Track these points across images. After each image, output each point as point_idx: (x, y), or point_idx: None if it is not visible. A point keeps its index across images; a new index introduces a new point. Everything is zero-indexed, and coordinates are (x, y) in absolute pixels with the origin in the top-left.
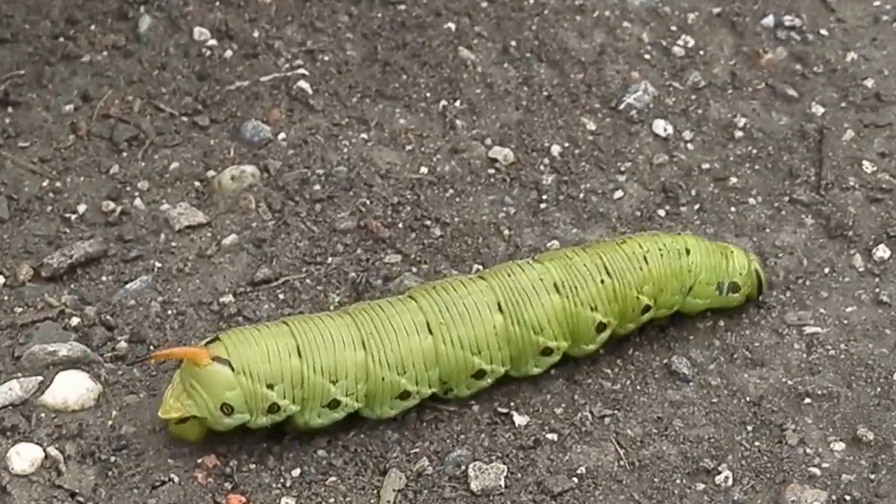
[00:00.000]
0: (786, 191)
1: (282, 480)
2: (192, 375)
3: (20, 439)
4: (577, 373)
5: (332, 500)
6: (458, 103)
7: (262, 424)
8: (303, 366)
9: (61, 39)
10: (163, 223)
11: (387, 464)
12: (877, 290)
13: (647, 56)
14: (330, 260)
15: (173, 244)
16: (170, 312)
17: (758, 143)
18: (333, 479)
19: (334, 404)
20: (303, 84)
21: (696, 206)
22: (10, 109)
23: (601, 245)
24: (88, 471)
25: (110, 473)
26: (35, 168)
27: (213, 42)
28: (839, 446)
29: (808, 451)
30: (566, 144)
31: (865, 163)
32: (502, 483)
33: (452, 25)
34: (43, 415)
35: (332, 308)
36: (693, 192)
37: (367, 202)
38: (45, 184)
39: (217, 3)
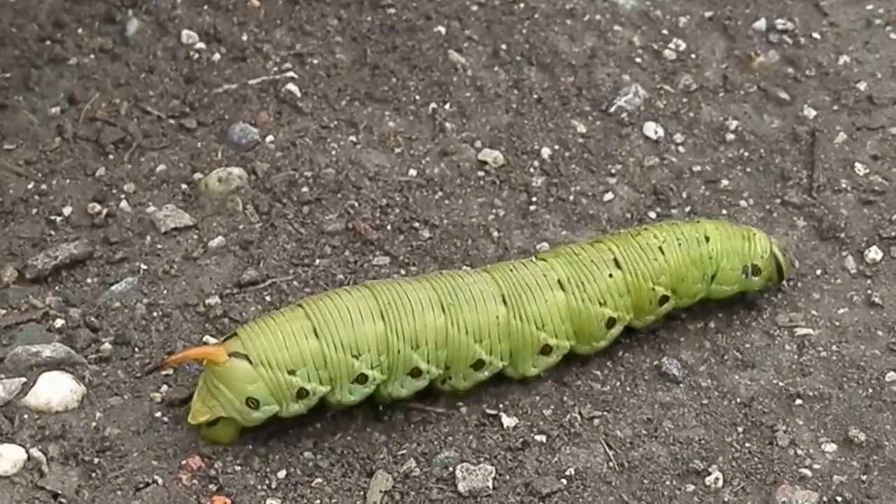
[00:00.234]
0: (777, 193)
1: (267, 482)
2: (213, 375)
3: (2, 440)
4: (567, 374)
5: (318, 501)
6: (447, 106)
7: (298, 411)
8: (322, 345)
9: (48, 42)
10: (149, 225)
11: (373, 465)
12: (869, 291)
13: (637, 59)
14: (317, 262)
15: (159, 246)
16: (155, 314)
17: (749, 146)
18: (319, 480)
19: (362, 379)
20: (291, 87)
21: (688, 209)
22: None
23: (614, 238)
24: (71, 472)
25: (93, 475)
26: (20, 170)
27: (201, 45)
28: (830, 447)
29: (799, 452)
30: (556, 147)
31: (858, 165)
32: (490, 484)
33: (442, 29)
34: (26, 416)
35: None
36: (684, 195)
37: (356, 204)
38: (30, 186)
39: (205, 7)
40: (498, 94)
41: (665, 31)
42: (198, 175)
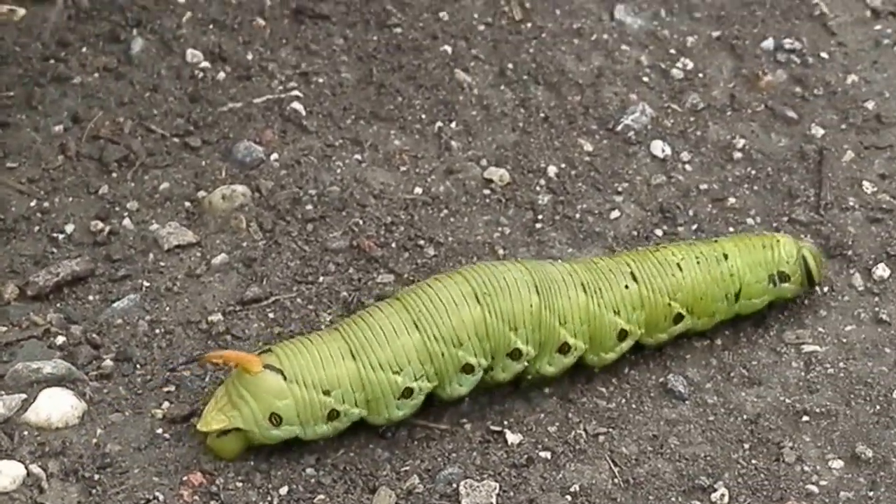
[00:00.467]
0: (785, 211)
1: (269, 498)
2: (241, 383)
3: (2, 457)
4: (572, 391)
5: None
6: (453, 125)
7: (324, 434)
8: (359, 367)
9: (52, 61)
10: (152, 243)
11: (376, 482)
12: (876, 308)
13: (645, 78)
14: (321, 279)
15: (162, 264)
16: (157, 331)
17: (757, 164)
18: (322, 497)
19: (408, 392)
20: (296, 105)
21: (694, 227)
22: None
23: (632, 253)
24: (71, 489)
25: (94, 491)
26: (23, 188)
27: (205, 64)
28: (837, 464)
29: (805, 468)
30: (563, 165)
31: (865, 183)
32: (494, 501)
33: (449, 48)
34: (26, 432)
35: (323, 326)
36: (691, 213)
37: (360, 222)
38: (32, 204)
39: (210, 26)
40: (504, 112)
41: (672, 51)
42: (201, 193)
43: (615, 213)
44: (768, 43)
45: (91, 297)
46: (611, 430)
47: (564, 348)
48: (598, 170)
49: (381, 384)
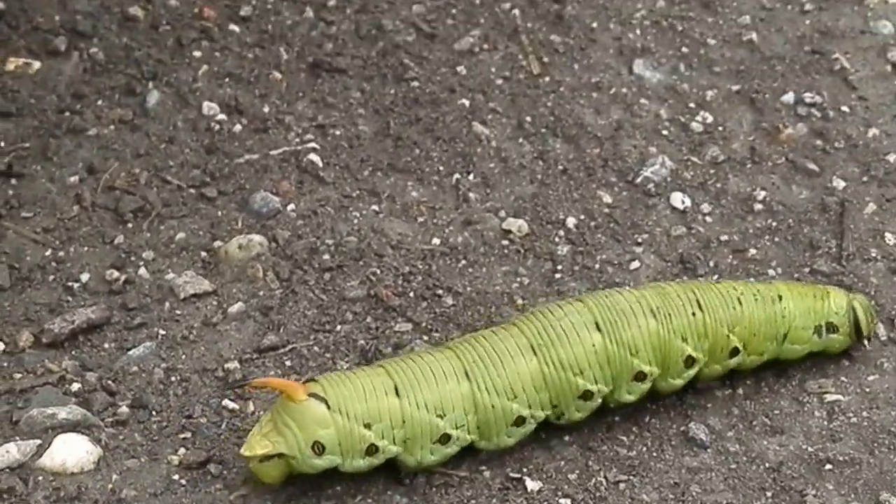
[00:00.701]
0: (806, 262)
1: None
2: (285, 411)
3: (17, 502)
4: (592, 439)
5: None
6: (471, 177)
7: (359, 468)
8: (402, 404)
9: (67, 113)
10: (167, 292)
11: None
12: None
13: (664, 132)
14: (339, 328)
15: (178, 312)
16: (173, 379)
17: (778, 216)
18: None
19: (445, 439)
20: (313, 157)
21: (715, 277)
22: (13, 181)
23: (693, 283)
24: None
25: None
26: (38, 238)
27: (222, 116)
28: None
29: None
30: (582, 217)
31: (888, 235)
32: None
33: (466, 101)
34: (41, 477)
35: None
36: (711, 263)
37: (378, 272)
38: (47, 253)
39: (226, 80)
40: (522, 164)
41: (692, 105)
42: (218, 243)
43: (635, 264)
44: (788, 97)
45: (106, 345)
46: (632, 477)
47: (640, 376)
48: (617, 221)
49: (423, 423)
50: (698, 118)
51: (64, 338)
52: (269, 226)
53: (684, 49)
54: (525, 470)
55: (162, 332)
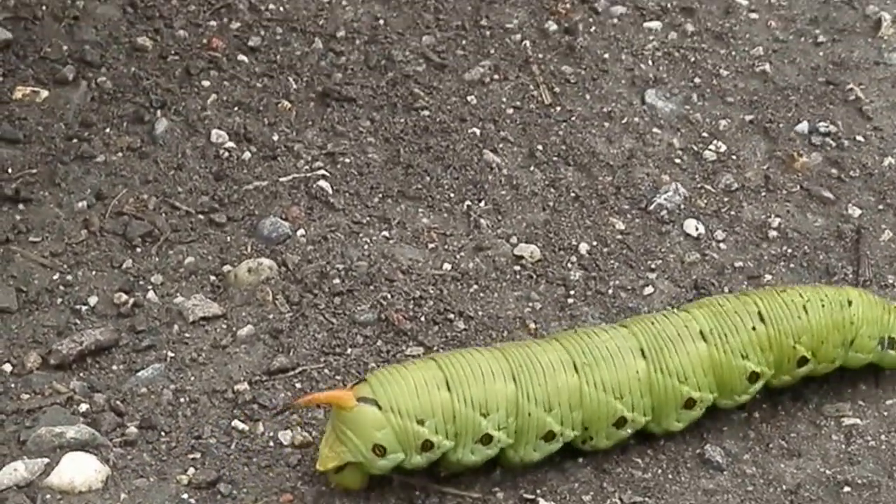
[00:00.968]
0: None
1: None
2: (340, 420)
3: None
4: (606, 462)
5: None
6: (482, 204)
7: (419, 464)
8: (453, 398)
9: (75, 141)
10: (176, 315)
11: None
12: None
13: (677, 160)
14: (349, 351)
15: (187, 335)
16: (182, 400)
17: (793, 243)
18: None
19: (486, 440)
20: (323, 184)
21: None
22: (21, 206)
23: (758, 292)
24: None
25: None
26: (45, 262)
27: (231, 144)
28: None
29: None
30: (594, 243)
31: None
32: None
33: (477, 130)
34: (48, 496)
35: None
36: (726, 289)
37: (388, 296)
38: (55, 277)
39: (236, 108)
40: (534, 192)
41: (705, 134)
42: (227, 267)
43: (649, 290)
44: (802, 126)
45: (115, 367)
46: (647, 499)
47: (690, 403)
48: (630, 247)
49: (468, 421)
50: (711, 147)
51: (72, 359)
52: (278, 251)
53: (696, 80)
54: (539, 491)
55: (171, 354)
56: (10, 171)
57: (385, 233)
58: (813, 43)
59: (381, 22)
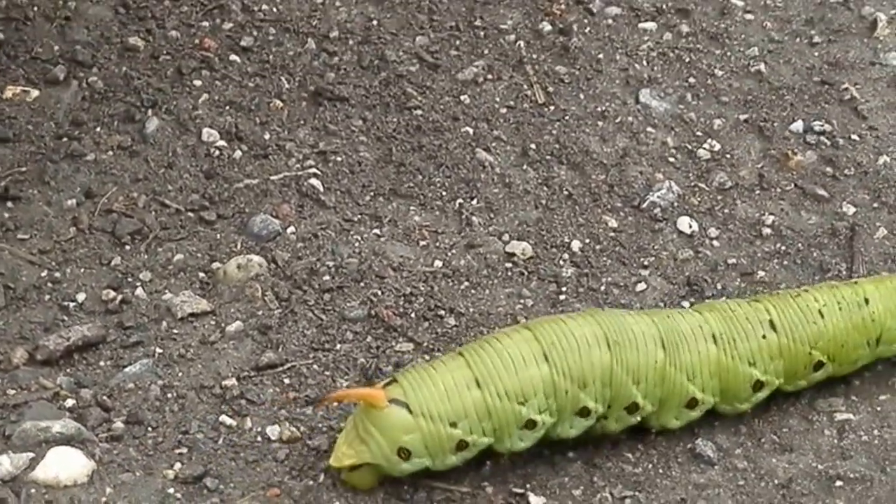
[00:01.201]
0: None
1: None
2: (367, 419)
3: None
4: (597, 456)
5: None
6: (475, 202)
7: (452, 464)
8: (485, 395)
9: (65, 139)
10: (165, 311)
11: None
12: None
13: (671, 159)
14: (339, 346)
15: (175, 331)
16: (170, 395)
17: (787, 240)
18: None
19: (531, 425)
20: (314, 182)
21: (723, 299)
22: (9, 204)
23: (772, 298)
24: None
25: None
26: (34, 259)
27: (222, 143)
28: None
29: None
30: (587, 240)
31: None
32: None
33: (470, 129)
34: (33, 490)
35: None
36: (719, 286)
37: (379, 293)
38: (43, 274)
39: (227, 108)
40: (527, 190)
41: (699, 133)
42: (216, 264)
43: (641, 286)
44: (797, 125)
45: (102, 363)
46: (637, 493)
47: (692, 403)
48: (623, 245)
49: (507, 413)
50: (706, 146)
51: (59, 355)
52: (268, 248)
53: (691, 80)
54: (528, 486)
55: (159, 350)
56: None
57: (376, 230)
58: (808, 43)
59: (375, 23)
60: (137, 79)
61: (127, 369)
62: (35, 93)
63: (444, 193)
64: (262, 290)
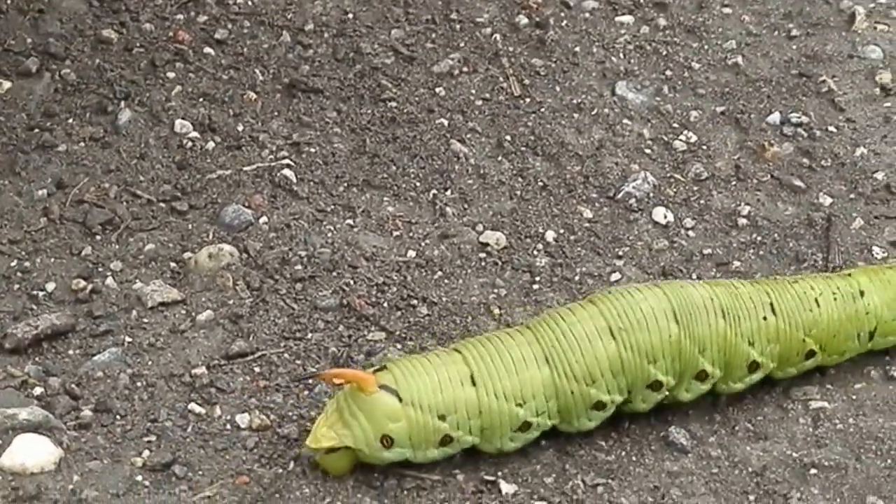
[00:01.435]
0: (792, 275)
1: None
2: (355, 402)
3: None
4: (569, 444)
5: None
6: (448, 193)
7: (433, 458)
8: (479, 394)
9: (37, 131)
10: (135, 300)
11: None
12: (887, 367)
13: (647, 150)
14: (310, 335)
15: (145, 320)
16: (139, 384)
17: (762, 231)
18: None
19: (525, 426)
20: (287, 173)
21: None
22: None
23: (771, 282)
24: None
25: None
26: (3, 249)
27: (194, 134)
28: None
29: None
30: (561, 231)
31: (875, 249)
32: None
33: (445, 121)
34: (0, 477)
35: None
36: (694, 276)
37: (351, 282)
38: (13, 264)
39: (200, 99)
40: (501, 181)
41: (675, 125)
42: (187, 254)
43: (616, 276)
44: (774, 117)
45: (71, 352)
46: (610, 481)
47: (702, 375)
48: (598, 235)
49: (502, 414)
50: (682, 137)
51: (27, 343)
52: (240, 237)
53: (668, 72)
54: (500, 473)
55: (128, 339)
56: None
57: (349, 221)
58: (786, 36)
59: (350, 16)
60: (111, 71)
61: (96, 358)
62: (7, 84)
63: (418, 184)
64: (234, 280)
